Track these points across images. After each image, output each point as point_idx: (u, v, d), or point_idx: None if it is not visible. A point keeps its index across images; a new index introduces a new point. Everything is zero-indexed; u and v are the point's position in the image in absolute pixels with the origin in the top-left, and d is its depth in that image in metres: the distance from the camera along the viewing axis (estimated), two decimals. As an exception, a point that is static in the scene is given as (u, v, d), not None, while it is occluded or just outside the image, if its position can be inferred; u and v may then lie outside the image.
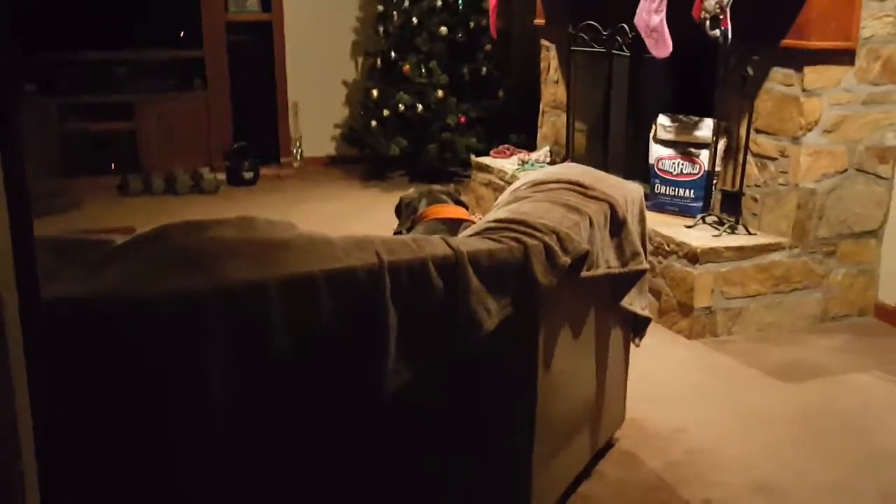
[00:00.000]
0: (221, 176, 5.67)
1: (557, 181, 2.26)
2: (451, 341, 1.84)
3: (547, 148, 5.06)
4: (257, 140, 5.88)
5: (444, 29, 5.64)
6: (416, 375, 1.81)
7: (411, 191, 2.63)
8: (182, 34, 5.70)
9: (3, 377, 1.01)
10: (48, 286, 1.59)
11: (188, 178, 5.43)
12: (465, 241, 1.93)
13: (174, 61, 5.72)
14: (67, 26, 5.43)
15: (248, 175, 5.75)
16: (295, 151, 6.19)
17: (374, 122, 5.79)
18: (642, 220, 2.45)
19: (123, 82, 5.58)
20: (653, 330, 2.66)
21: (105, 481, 1.61)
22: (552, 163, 4.91)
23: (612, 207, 2.24)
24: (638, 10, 3.80)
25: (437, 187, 2.69)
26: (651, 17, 3.77)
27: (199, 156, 5.73)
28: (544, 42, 5.18)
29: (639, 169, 4.07)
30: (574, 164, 2.55)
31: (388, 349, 1.79)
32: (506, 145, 5.35)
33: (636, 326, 2.53)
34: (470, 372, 1.93)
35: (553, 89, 5.11)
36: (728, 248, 3.45)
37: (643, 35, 3.81)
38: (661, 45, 3.73)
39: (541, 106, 5.26)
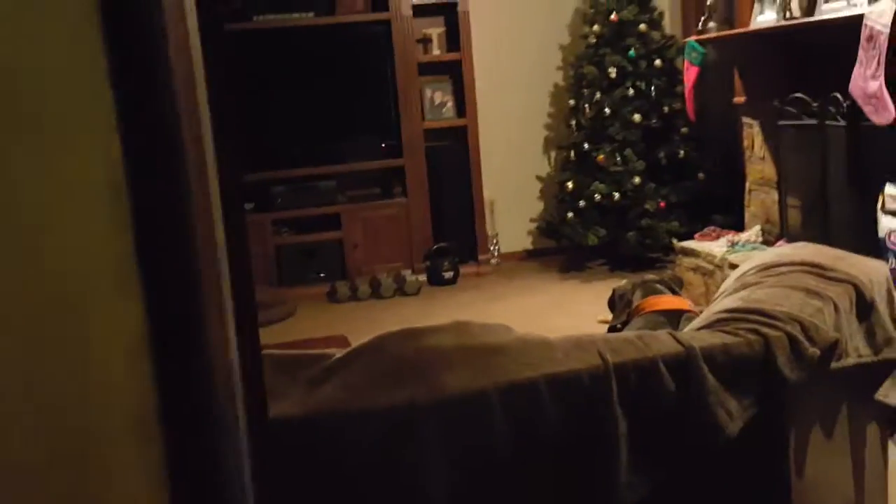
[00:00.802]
0: (422, 277, 5.77)
1: (791, 263, 2.06)
2: (688, 449, 1.67)
3: (758, 227, 4.77)
4: (455, 240, 5.96)
5: (637, 116, 5.54)
6: (651, 489, 1.65)
7: (624, 282, 2.50)
8: (383, 145, 5.95)
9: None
10: (269, 403, 1.60)
11: (391, 282, 5.56)
12: (694, 335, 1.77)
13: (377, 171, 5.96)
14: (279, 148, 5.82)
15: (448, 275, 5.81)
16: (492, 248, 6.22)
17: (570, 214, 5.72)
18: (891, 302, 2.18)
19: (330, 194, 5.86)
20: (914, 426, 2.32)
21: None
22: (765, 242, 4.61)
23: (858, 289, 2.00)
24: (853, 78, 3.54)
25: (651, 276, 2.54)
26: (868, 83, 3.49)
27: (401, 259, 5.87)
28: (746, 119, 4.95)
29: (865, 244, 3.71)
30: (805, 244, 2.33)
31: (619, 460, 1.65)
32: (711, 227, 5.10)
33: (894, 422, 2.23)
34: (710, 483, 1.74)
35: (759, 166, 4.85)
36: None
37: (860, 103, 3.53)
38: (882, 112, 3.44)
39: (746, 184, 5.00)
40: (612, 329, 2.45)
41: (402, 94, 5.84)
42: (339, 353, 1.72)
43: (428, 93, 6.07)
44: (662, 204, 5.54)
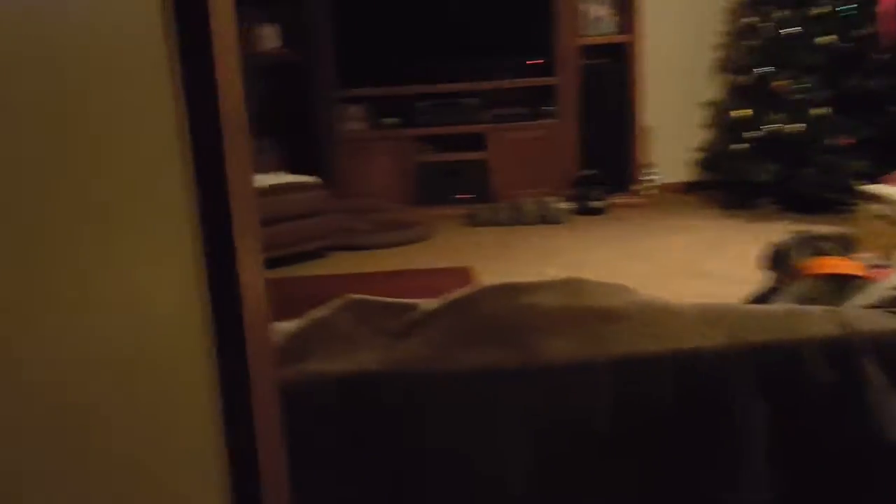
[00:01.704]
0: (569, 205, 5.46)
1: None
2: (843, 456, 1.36)
3: (959, 173, 4.13)
4: (607, 167, 5.59)
5: (824, 39, 4.90)
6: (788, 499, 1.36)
7: (786, 237, 2.12)
8: (532, 62, 5.60)
9: None
10: (345, 354, 1.42)
11: (535, 208, 5.29)
12: (861, 314, 1.43)
13: (525, 89, 5.63)
14: (426, 62, 5.59)
15: (597, 204, 5.47)
16: (648, 178, 5.80)
17: (738, 146, 5.20)
18: None
19: (475, 112, 5.60)
20: None
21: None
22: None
23: None
24: None
25: (819, 230, 2.15)
26: None
27: (547, 184, 5.57)
28: (957, 44, 4.25)
29: None
30: None
31: (751, 457, 1.37)
32: (902, 170, 4.48)
33: None
34: (859, 492, 1.43)
35: (968, 101, 4.16)
36: None
37: None
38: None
39: (950, 122, 4.32)
40: (763, 295, 2.10)
41: (558, 4, 5.43)
42: (427, 303, 1.52)
43: (586, 5, 5.63)
44: (848, 140, 4.93)
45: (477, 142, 5.58)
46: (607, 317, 1.42)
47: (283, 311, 2.18)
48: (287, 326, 1.47)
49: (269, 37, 5.65)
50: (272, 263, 4.30)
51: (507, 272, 4.01)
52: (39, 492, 0.57)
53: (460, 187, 5.58)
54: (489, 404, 1.39)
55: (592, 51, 5.63)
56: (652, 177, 5.82)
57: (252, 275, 0.76)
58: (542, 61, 5.55)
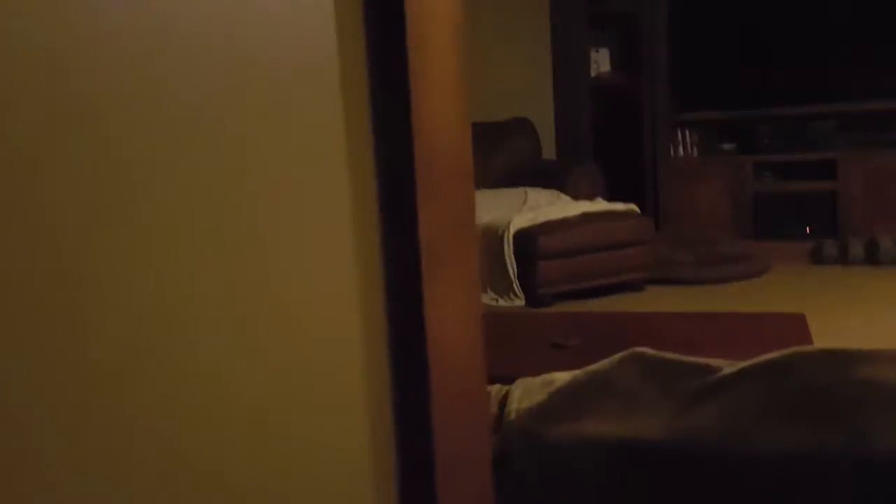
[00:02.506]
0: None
1: None
2: None
3: None
4: None
5: None
6: None
7: None
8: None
9: None
10: (621, 417, 1.23)
11: (893, 247, 4.58)
12: None
13: (890, 112, 4.91)
14: (772, 83, 5.11)
15: (977, 246, 4.60)
16: None
17: None
18: None
19: (827, 137, 5.00)
20: None
21: None
22: None
23: None
24: None
25: None
26: None
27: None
28: None
29: None
30: None
31: None
32: None
33: None
34: None
35: None
36: None
37: None
38: None
39: None
40: None
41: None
42: (729, 365, 1.26)
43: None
44: None
45: (826, 170, 4.98)
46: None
47: (592, 349, 2.00)
48: (561, 378, 1.30)
49: (601, 60, 5.56)
50: (584, 294, 4.15)
51: (852, 324, 3.47)
52: None
53: (803, 220, 5.02)
54: (796, 497, 1.12)
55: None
56: None
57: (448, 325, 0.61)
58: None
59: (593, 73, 5.52)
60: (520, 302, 4.09)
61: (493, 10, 5.07)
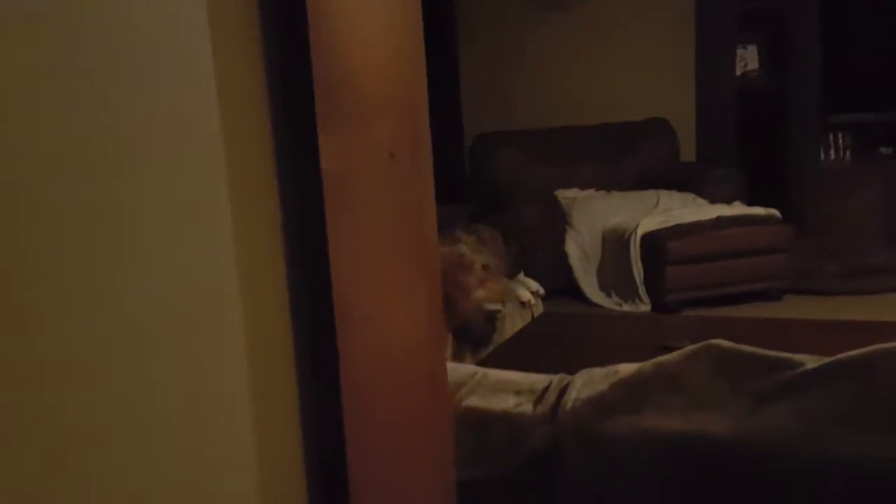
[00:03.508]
0: None
1: None
2: None
3: None
4: None
5: None
6: None
7: None
8: None
9: None
10: (688, 412, 1.16)
11: None
12: None
13: None
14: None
15: None
16: None
17: None
18: None
19: None
20: None
21: None
22: None
23: None
24: None
25: None
26: None
27: None
28: None
29: None
30: None
31: None
32: None
33: None
34: None
35: None
36: None
37: None
38: None
39: None
40: None
41: None
42: (813, 361, 1.16)
43: None
44: None
45: None
46: None
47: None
48: (626, 369, 1.24)
49: (749, 57, 5.30)
50: (715, 302, 3.94)
51: None
52: None
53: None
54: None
55: None
56: None
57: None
58: None
59: (739, 72, 5.27)
60: (645, 308, 3.94)
61: (634, 3, 4.91)
